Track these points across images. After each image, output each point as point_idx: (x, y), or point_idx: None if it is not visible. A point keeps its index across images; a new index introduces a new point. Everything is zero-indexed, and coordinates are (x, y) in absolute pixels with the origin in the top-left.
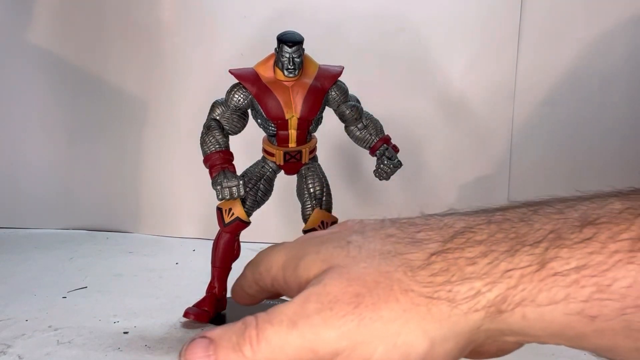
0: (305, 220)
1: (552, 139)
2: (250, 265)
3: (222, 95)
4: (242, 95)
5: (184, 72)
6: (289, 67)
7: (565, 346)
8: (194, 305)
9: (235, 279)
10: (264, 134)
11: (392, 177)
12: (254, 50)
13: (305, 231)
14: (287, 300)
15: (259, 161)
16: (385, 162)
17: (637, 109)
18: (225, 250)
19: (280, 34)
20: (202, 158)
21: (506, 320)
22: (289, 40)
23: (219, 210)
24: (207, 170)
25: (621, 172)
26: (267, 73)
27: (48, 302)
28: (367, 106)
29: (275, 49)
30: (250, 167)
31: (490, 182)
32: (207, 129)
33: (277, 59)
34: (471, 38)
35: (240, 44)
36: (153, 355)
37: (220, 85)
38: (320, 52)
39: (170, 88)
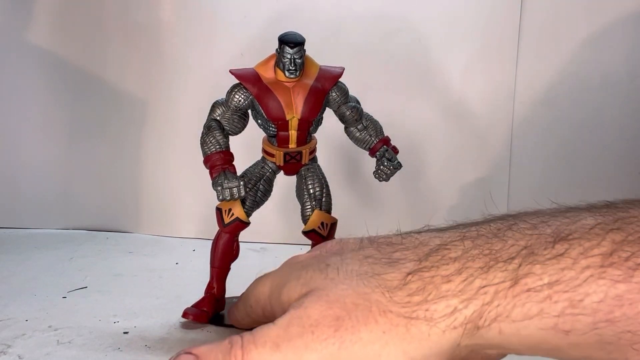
0: (305, 221)
1: (552, 139)
2: (242, 300)
3: (222, 95)
4: (242, 96)
5: (184, 72)
6: (291, 68)
7: (543, 357)
8: (192, 306)
9: (234, 280)
10: (263, 135)
11: (391, 178)
12: (254, 51)
13: (304, 232)
14: None
15: (258, 162)
16: (385, 163)
17: (637, 109)
18: (225, 250)
19: (282, 34)
20: (202, 158)
21: (483, 336)
22: (291, 41)
23: (219, 210)
24: (208, 170)
25: (621, 172)
26: (267, 73)
27: (48, 302)
28: (366, 107)
29: (277, 49)
30: (249, 167)
31: (490, 182)
32: (208, 129)
33: (278, 59)
34: (471, 38)
35: (240, 44)
36: (153, 355)
37: (220, 85)
38: (319, 52)
39: (170, 88)
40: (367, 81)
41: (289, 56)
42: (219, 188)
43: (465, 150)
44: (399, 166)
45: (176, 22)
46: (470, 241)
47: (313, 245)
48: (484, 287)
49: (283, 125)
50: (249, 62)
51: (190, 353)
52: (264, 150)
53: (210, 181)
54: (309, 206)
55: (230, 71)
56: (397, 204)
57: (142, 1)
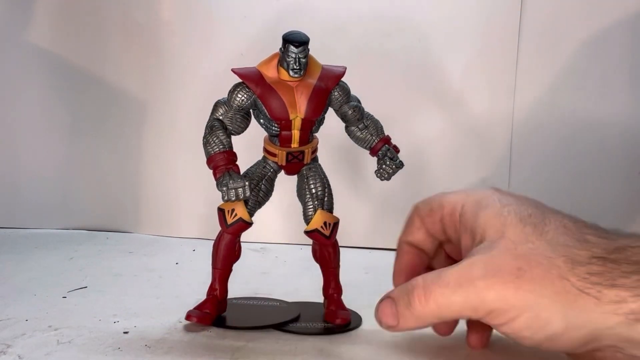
0: (307, 220)
1: (552, 139)
2: (420, 206)
3: (222, 95)
4: (245, 95)
5: (184, 72)
6: (295, 67)
7: None
8: (195, 308)
9: (235, 280)
10: (264, 134)
11: (392, 177)
12: (254, 50)
13: (307, 232)
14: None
15: (259, 161)
16: (388, 162)
17: (637, 109)
18: (227, 251)
19: (286, 33)
20: (205, 159)
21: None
22: (296, 40)
23: (221, 211)
24: (211, 170)
25: (621, 172)
26: (270, 73)
27: (48, 302)
28: (367, 106)
29: (280, 48)
30: (251, 167)
31: (490, 182)
32: (210, 129)
33: (281, 58)
34: (471, 38)
35: (240, 44)
36: (153, 355)
37: (221, 85)
38: (319, 52)
39: (170, 88)
40: (367, 81)
41: (293, 55)
42: (224, 188)
43: (465, 150)
44: (400, 165)
45: (176, 22)
46: None
47: (314, 245)
48: None
49: (286, 124)
50: (249, 62)
51: (389, 297)
52: (266, 150)
53: (213, 181)
54: (311, 206)
55: (233, 70)
56: (398, 203)
57: (142, 1)
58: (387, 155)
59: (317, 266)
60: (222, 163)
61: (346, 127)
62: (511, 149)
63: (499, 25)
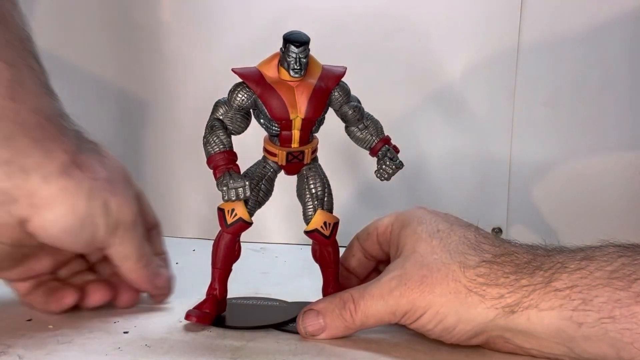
0: (307, 221)
1: (552, 139)
2: (359, 234)
3: (222, 95)
4: (245, 95)
5: (184, 72)
6: (295, 67)
7: (567, 356)
8: (194, 308)
9: (234, 280)
10: (264, 134)
11: (392, 177)
12: (254, 50)
13: (307, 232)
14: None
15: (259, 161)
16: (388, 162)
17: (637, 109)
18: (227, 251)
19: (287, 33)
20: (206, 158)
21: (515, 320)
22: (296, 40)
23: (221, 211)
24: (211, 170)
25: (621, 172)
26: (270, 72)
27: None
28: (366, 106)
29: (281, 48)
30: (251, 167)
31: (490, 182)
32: (211, 129)
33: (282, 58)
34: (471, 38)
35: (240, 44)
36: (153, 355)
37: (221, 85)
38: (319, 52)
39: (170, 88)
40: (367, 81)
41: (294, 55)
42: (225, 188)
43: (465, 150)
44: (400, 165)
45: (176, 22)
46: (531, 255)
47: (314, 245)
48: (526, 285)
49: (286, 124)
50: (249, 62)
51: (312, 309)
52: (266, 150)
53: (213, 181)
54: (311, 206)
55: (233, 70)
56: (397, 203)
57: (142, 1)
58: (387, 156)
59: (317, 266)
60: (222, 163)
61: (346, 128)
62: (511, 150)
63: (499, 25)
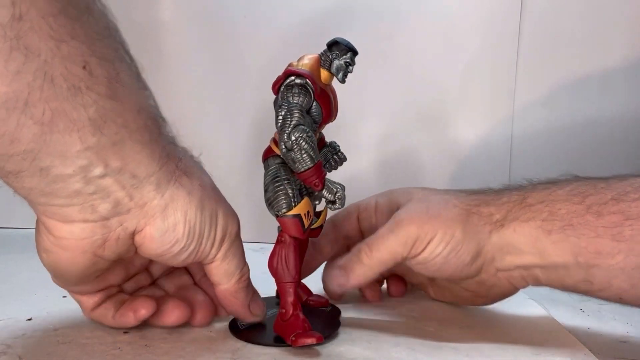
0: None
1: (552, 139)
2: (333, 216)
3: (222, 95)
4: (308, 98)
5: (183, 72)
6: (349, 73)
7: (540, 269)
8: (298, 334)
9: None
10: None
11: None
12: (254, 50)
13: (313, 229)
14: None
15: (278, 163)
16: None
17: (637, 109)
18: (297, 258)
19: (344, 40)
20: (306, 167)
21: (504, 234)
22: (354, 48)
23: (297, 217)
24: (314, 180)
25: (621, 172)
26: (317, 77)
27: (48, 302)
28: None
29: (328, 53)
30: (283, 169)
31: (490, 182)
32: (308, 135)
33: (329, 63)
34: (471, 38)
35: (241, 44)
36: (153, 355)
37: (221, 84)
38: (319, 51)
39: (170, 88)
40: (366, 81)
41: (351, 62)
42: (338, 194)
43: (465, 150)
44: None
45: (176, 22)
46: (515, 190)
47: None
48: (507, 202)
49: (319, 127)
50: (249, 62)
51: (333, 266)
52: None
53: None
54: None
55: (303, 73)
56: None
57: (142, 1)
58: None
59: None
60: (324, 172)
61: None
62: (511, 150)
63: (499, 25)
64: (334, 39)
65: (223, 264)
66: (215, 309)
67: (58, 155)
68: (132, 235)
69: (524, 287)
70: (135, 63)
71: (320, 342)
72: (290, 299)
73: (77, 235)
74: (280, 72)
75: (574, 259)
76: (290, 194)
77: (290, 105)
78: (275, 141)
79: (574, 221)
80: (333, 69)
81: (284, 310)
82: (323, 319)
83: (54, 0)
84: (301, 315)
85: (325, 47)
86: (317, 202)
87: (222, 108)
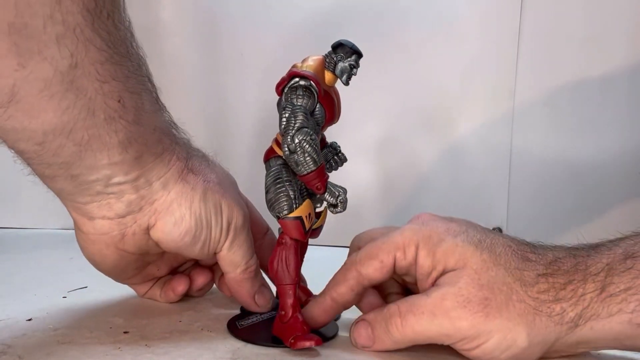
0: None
1: (551, 139)
2: (358, 260)
3: (222, 95)
4: (312, 99)
5: (183, 72)
6: (353, 75)
7: (623, 350)
8: (297, 337)
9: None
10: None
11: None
12: (254, 50)
13: (313, 229)
14: None
15: (281, 163)
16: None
17: (637, 109)
18: (297, 261)
19: (348, 42)
20: (308, 170)
21: (578, 333)
22: (359, 51)
23: (298, 219)
24: (316, 183)
25: (621, 173)
26: (321, 79)
27: (48, 302)
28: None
29: (333, 55)
30: (285, 171)
31: (490, 182)
32: (312, 138)
33: (333, 65)
34: (471, 38)
35: (241, 44)
36: (153, 355)
37: (221, 85)
38: (319, 51)
39: (170, 88)
40: (366, 82)
41: (355, 65)
42: (341, 197)
43: (464, 150)
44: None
45: (176, 22)
46: (573, 258)
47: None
48: (582, 295)
49: (322, 128)
50: (248, 62)
51: (364, 320)
52: None
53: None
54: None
55: (306, 75)
56: (397, 203)
57: (142, 1)
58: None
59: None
60: (326, 175)
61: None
62: (511, 149)
63: (499, 25)
64: (338, 40)
65: (229, 254)
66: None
67: (88, 167)
68: (147, 230)
69: None
70: (155, 88)
71: (318, 345)
72: (290, 300)
73: (99, 230)
74: (281, 73)
75: None
76: (292, 196)
77: (294, 108)
78: (277, 142)
79: None
80: (337, 71)
81: (283, 312)
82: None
83: (103, 51)
84: (300, 318)
85: (329, 49)
86: (318, 205)
87: (222, 108)
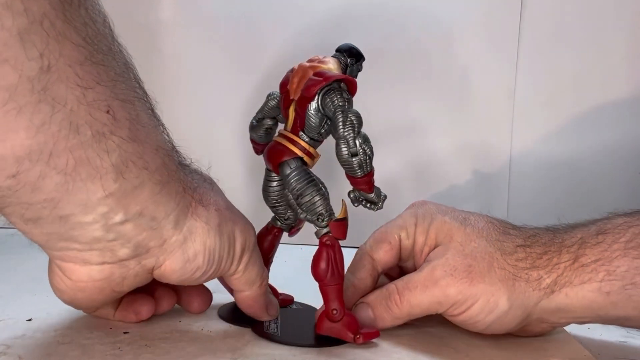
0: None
1: (551, 139)
2: (368, 245)
3: (222, 94)
4: (351, 102)
5: (183, 72)
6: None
7: (596, 322)
8: (366, 332)
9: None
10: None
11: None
12: (254, 50)
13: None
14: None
15: (302, 165)
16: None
17: (637, 109)
18: (343, 260)
19: (355, 46)
20: (365, 172)
21: (555, 299)
22: (363, 56)
23: (345, 219)
24: (368, 184)
25: (621, 173)
26: None
27: (48, 302)
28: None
29: (347, 59)
30: (310, 172)
31: (490, 182)
32: (369, 139)
33: (344, 68)
34: (471, 38)
35: (241, 44)
36: (153, 355)
37: (221, 85)
38: (319, 52)
39: (170, 88)
40: (366, 82)
41: (361, 69)
42: (384, 194)
43: (465, 150)
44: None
45: (176, 22)
46: (551, 233)
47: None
48: (557, 264)
49: None
50: (248, 62)
51: (363, 302)
52: (309, 154)
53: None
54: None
55: (350, 79)
56: (397, 203)
57: (142, 1)
58: None
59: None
60: None
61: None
62: (511, 149)
63: (499, 25)
64: (348, 44)
65: (245, 275)
66: (210, 295)
67: (79, 204)
68: (151, 270)
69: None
70: (149, 98)
71: (377, 335)
72: (340, 299)
73: (94, 277)
74: (282, 73)
75: (637, 313)
76: (328, 198)
77: (347, 111)
78: (292, 141)
79: (636, 279)
80: (353, 75)
81: (335, 311)
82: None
83: (81, 47)
84: (351, 314)
85: (329, 49)
86: None
87: (222, 108)
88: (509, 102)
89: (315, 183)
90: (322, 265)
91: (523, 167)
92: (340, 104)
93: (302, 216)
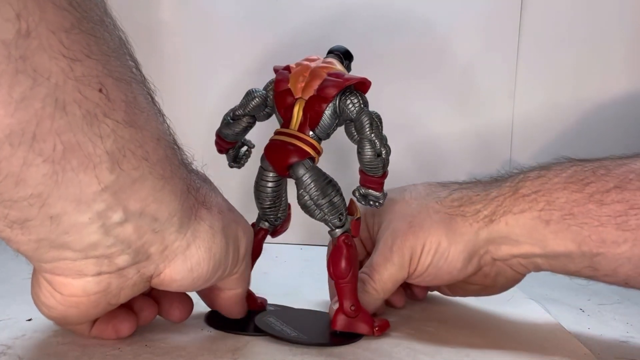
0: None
1: (551, 139)
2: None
3: (222, 94)
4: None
5: (183, 72)
6: None
7: (545, 268)
8: (380, 324)
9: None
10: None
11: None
12: (254, 50)
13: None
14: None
15: (314, 164)
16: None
17: (638, 109)
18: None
19: (348, 49)
20: (381, 172)
21: (495, 228)
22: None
23: (360, 218)
24: (381, 184)
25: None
26: None
27: None
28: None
29: (344, 61)
30: (325, 173)
31: None
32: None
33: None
34: (471, 38)
35: (240, 43)
36: (153, 355)
37: (221, 85)
38: (319, 52)
39: (170, 88)
40: (369, 76)
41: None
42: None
43: (465, 150)
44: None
45: (176, 22)
46: (494, 178)
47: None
48: (497, 196)
49: None
50: (248, 62)
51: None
52: (318, 151)
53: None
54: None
55: (366, 79)
56: None
57: (142, 1)
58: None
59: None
60: None
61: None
62: (511, 149)
63: (499, 25)
64: (342, 46)
65: (242, 274)
66: (191, 302)
67: (71, 199)
68: (149, 279)
69: (526, 273)
70: (148, 83)
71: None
72: (356, 295)
73: (90, 291)
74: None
75: (576, 247)
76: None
77: (373, 112)
78: (305, 142)
79: (574, 210)
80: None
81: (353, 307)
82: (323, 322)
83: (66, 11)
84: (365, 309)
85: (328, 49)
86: None
87: (222, 109)
88: (509, 101)
89: (333, 183)
90: (343, 264)
91: (523, 167)
92: (362, 106)
93: (318, 217)
